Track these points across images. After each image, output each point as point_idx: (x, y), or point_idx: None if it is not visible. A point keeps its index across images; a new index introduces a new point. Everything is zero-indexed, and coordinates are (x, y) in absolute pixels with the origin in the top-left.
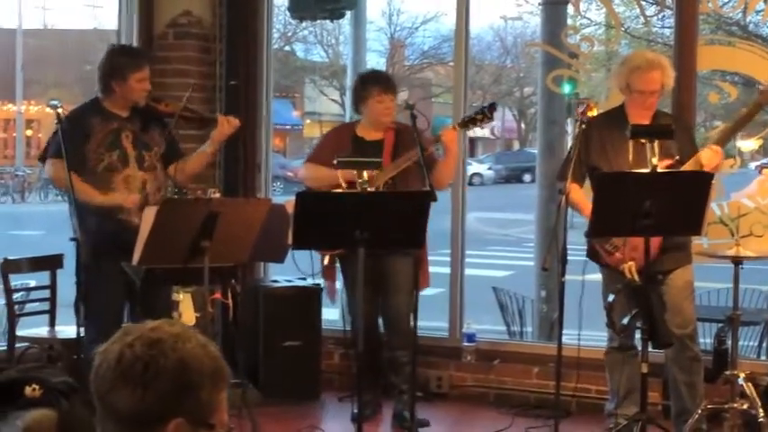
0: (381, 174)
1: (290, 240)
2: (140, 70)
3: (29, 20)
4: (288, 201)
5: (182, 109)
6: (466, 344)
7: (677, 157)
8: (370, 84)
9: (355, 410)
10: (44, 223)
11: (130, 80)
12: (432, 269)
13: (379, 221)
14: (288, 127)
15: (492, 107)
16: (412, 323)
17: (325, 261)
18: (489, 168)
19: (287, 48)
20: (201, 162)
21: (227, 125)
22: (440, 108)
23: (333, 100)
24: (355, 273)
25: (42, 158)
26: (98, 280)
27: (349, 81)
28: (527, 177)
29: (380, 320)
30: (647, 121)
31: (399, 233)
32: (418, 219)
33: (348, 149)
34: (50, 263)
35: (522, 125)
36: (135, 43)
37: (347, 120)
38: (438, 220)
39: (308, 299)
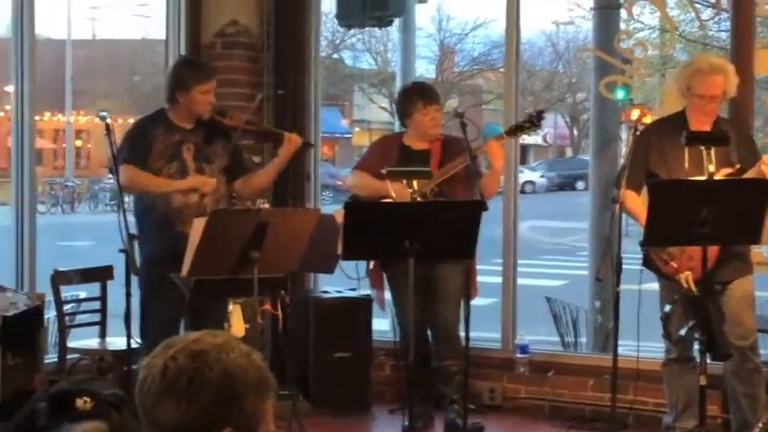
0: (428, 182)
1: (339, 250)
2: (204, 83)
3: (78, 30)
4: (337, 210)
5: (245, 123)
6: (519, 355)
7: (738, 165)
8: (415, 97)
9: (406, 423)
10: (94, 234)
11: (194, 92)
12: (483, 279)
13: (430, 231)
14: (336, 135)
15: (539, 115)
16: (462, 333)
17: (371, 265)
18: (542, 176)
19: (335, 55)
20: (269, 177)
21: (293, 141)
22: (490, 115)
23: (382, 108)
24: (402, 280)
25: (113, 170)
26: (153, 292)
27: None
28: (580, 185)
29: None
30: (707, 128)
31: (450, 243)
32: (469, 228)
33: (395, 159)
34: (101, 274)
35: (575, 132)
36: (183, 52)
37: (396, 128)
38: (489, 228)
39: (358, 309)
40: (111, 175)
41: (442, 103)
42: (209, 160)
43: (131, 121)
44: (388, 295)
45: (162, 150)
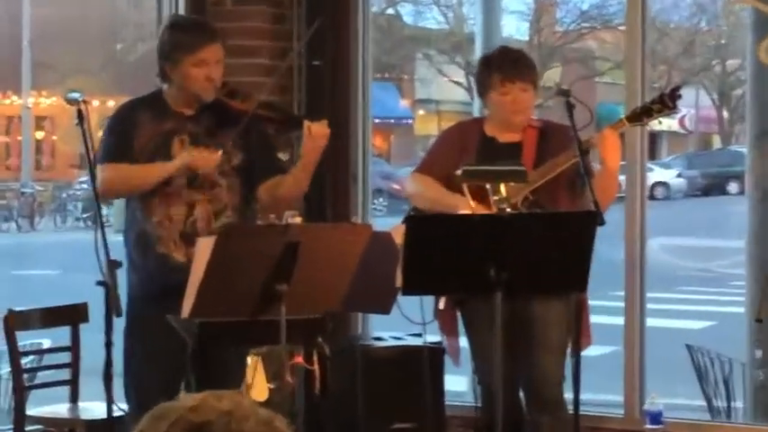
0: (519, 186)
1: (398, 282)
2: (198, 50)
3: None
4: (395, 227)
5: (257, 106)
6: (650, 426)
7: None
8: (493, 68)
9: None
10: (61, 260)
11: (185, 65)
12: (598, 319)
13: (524, 255)
14: (392, 121)
15: (674, 92)
16: (569, 395)
17: (441, 304)
18: (679, 175)
19: (390, 11)
20: (299, 185)
21: (313, 134)
22: (606, 91)
23: (455, 82)
24: (485, 323)
25: (92, 171)
26: (141, 339)
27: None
28: (732, 187)
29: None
30: None
31: (552, 271)
32: (579, 250)
33: (474, 155)
34: (71, 315)
35: (725, 113)
36: (182, 10)
37: (476, 110)
38: (606, 249)
39: (424, 363)
40: (84, 179)
41: (538, 75)
42: None
43: (112, 104)
44: (465, 343)
45: (144, 143)
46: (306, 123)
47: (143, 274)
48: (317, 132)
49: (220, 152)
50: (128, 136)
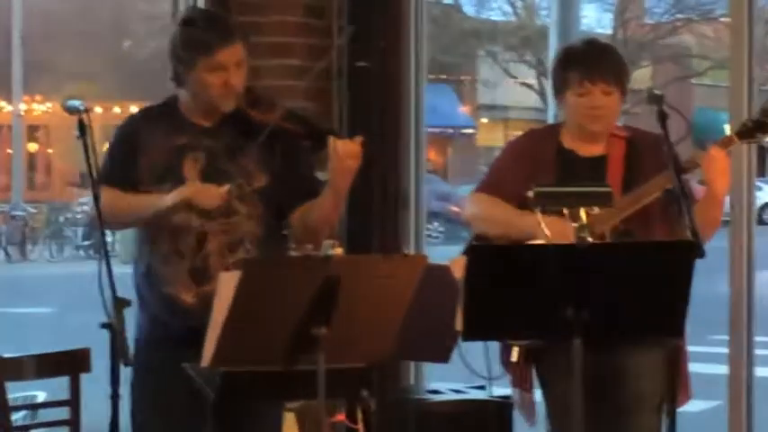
0: (608, 213)
1: (458, 325)
2: (213, 52)
3: None
4: (454, 259)
5: (282, 116)
6: None
7: None
8: (572, 63)
9: None
10: (58, 296)
11: (198, 69)
12: (698, 368)
13: (607, 293)
14: (450, 131)
15: None
16: None
17: (514, 356)
18: None
19: (448, 0)
20: (331, 212)
21: (339, 153)
22: (706, 95)
23: (525, 85)
24: (563, 375)
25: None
26: (149, 390)
27: (553, 52)
28: None
29: None
30: None
31: (643, 311)
32: (674, 287)
33: (550, 171)
34: (70, 363)
35: None
36: (202, 2)
37: (550, 117)
38: (705, 284)
39: (490, 421)
40: (86, 200)
41: (628, 76)
42: (229, 179)
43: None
44: (539, 397)
45: (152, 162)
46: (331, 140)
47: (152, 315)
48: (344, 151)
49: (228, 187)
50: (131, 154)
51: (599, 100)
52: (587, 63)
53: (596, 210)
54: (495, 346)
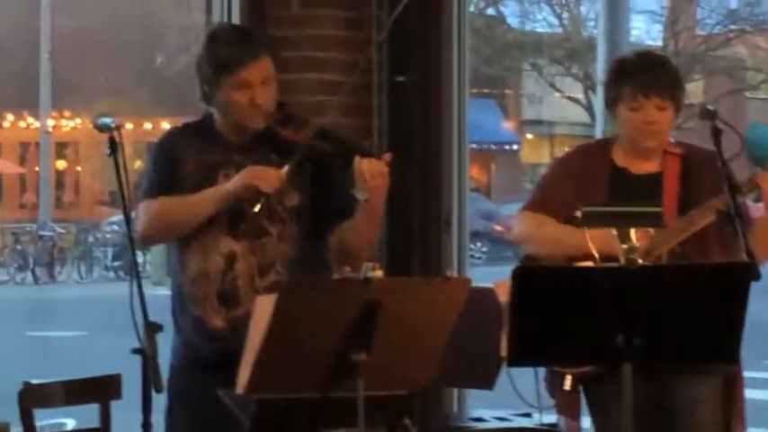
0: (663, 234)
1: (503, 350)
2: (237, 70)
3: None
4: (499, 282)
5: (313, 135)
6: None
7: None
8: (625, 75)
9: None
10: (86, 319)
11: (226, 88)
12: (752, 394)
13: (659, 317)
14: (494, 147)
15: None
16: None
17: (567, 384)
18: None
19: (491, 11)
20: (361, 234)
21: (366, 169)
22: (760, 109)
23: (571, 99)
24: (614, 405)
25: (126, 211)
26: (182, 418)
27: (601, 65)
28: None
29: None
30: None
31: (697, 338)
32: (729, 311)
33: (603, 190)
34: (100, 390)
35: None
36: (237, 16)
37: (598, 132)
38: (759, 307)
39: None
40: (116, 219)
41: (684, 91)
42: (260, 197)
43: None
44: (586, 425)
45: (187, 177)
46: (356, 159)
47: (184, 338)
48: (369, 170)
49: (287, 168)
50: (172, 168)
51: (653, 115)
52: (641, 76)
53: (651, 231)
54: (542, 373)
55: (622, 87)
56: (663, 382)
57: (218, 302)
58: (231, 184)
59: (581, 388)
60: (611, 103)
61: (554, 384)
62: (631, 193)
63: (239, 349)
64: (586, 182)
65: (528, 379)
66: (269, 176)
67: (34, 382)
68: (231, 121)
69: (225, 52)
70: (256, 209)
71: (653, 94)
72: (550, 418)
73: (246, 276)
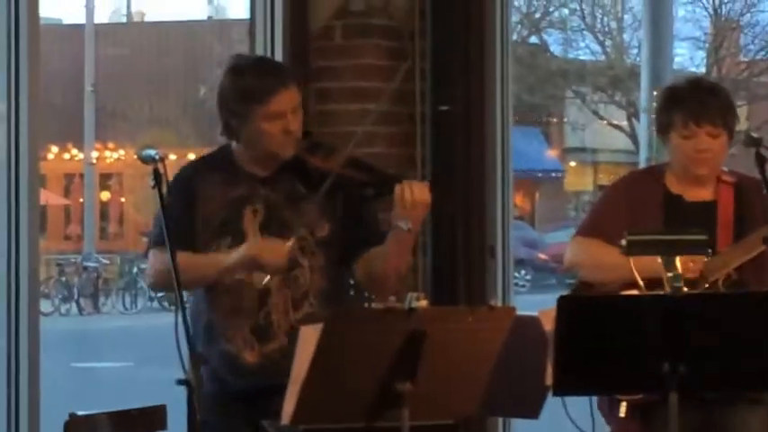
0: (716, 261)
1: (548, 379)
2: (269, 100)
3: (104, 9)
4: (544, 310)
5: (345, 163)
6: None
7: None
8: (676, 103)
9: None
10: (132, 350)
11: (254, 119)
12: None
13: (706, 346)
14: (538, 175)
15: None
16: None
17: (622, 412)
18: None
19: (534, 39)
20: (391, 262)
21: (409, 198)
22: None
23: (615, 126)
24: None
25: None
26: None
27: (644, 92)
28: None
29: None
30: None
31: (744, 365)
32: None
33: (657, 216)
34: (146, 421)
35: None
36: (280, 47)
37: (642, 160)
38: None
39: None
40: (144, 258)
41: (736, 117)
42: (290, 229)
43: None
44: None
45: (211, 215)
46: (398, 187)
47: (210, 373)
48: (414, 198)
49: (292, 241)
50: (188, 209)
51: (705, 143)
52: (693, 104)
53: (704, 259)
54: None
55: (674, 115)
56: (712, 411)
57: (252, 337)
58: (232, 258)
59: (638, 415)
60: (663, 130)
61: (611, 411)
62: (686, 220)
63: (270, 383)
64: (639, 209)
65: (582, 405)
66: (275, 251)
67: (80, 413)
68: (260, 153)
69: (254, 83)
70: (264, 282)
71: (704, 121)
72: None
73: (281, 311)
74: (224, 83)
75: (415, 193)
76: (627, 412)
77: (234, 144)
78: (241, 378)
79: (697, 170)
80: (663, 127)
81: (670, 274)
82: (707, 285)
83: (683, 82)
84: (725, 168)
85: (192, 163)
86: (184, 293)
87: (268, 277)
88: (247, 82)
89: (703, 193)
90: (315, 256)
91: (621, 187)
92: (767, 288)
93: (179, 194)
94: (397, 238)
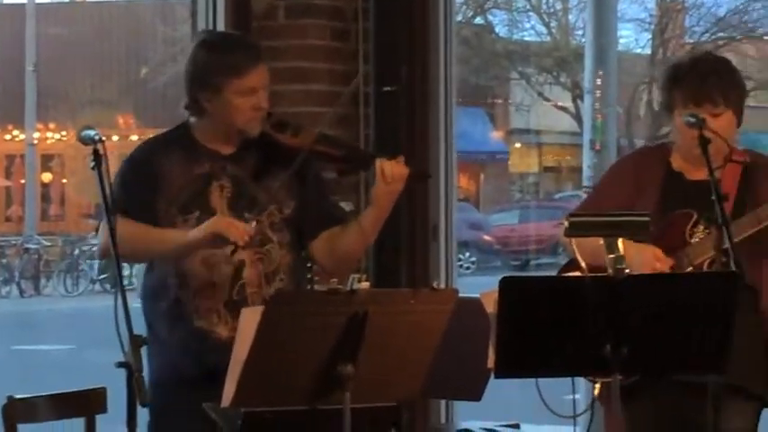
0: (709, 244)
1: (490, 362)
2: (244, 74)
3: None
4: (486, 292)
5: (315, 140)
6: None
7: None
8: (677, 82)
9: None
10: (73, 332)
11: (228, 93)
12: None
13: (648, 328)
14: (482, 157)
15: None
16: None
17: (595, 391)
18: None
19: (479, 20)
20: (364, 239)
21: (390, 173)
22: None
23: (560, 108)
24: (650, 419)
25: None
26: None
27: (588, 73)
28: None
29: None
30: None
31: (684, 348)
32: (717, 322)
33: (655, 193)
34: (85, 404)
35: None
36: (221, 25)
37: (585, 141)
38: None
39: None
40: (95, 235)
41: (744, 94)
42: (258, 207)
43: (135, 138)
44: None
45: (176, 192)
46: (378, 162)
47: (173, 354)
48: (392, 173)
49: (254, 224)
50: (147, 183)
51: (715, 122)
52: (692, 83)
53: (697, 238)
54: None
55: (674, 95)
56: (697, 404)
57: (226, 312)
58: (198, 231)
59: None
60: (667, 109)
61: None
62: (686, 198)
63: None
64: (640, 185)
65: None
66: (238, 230)
67: (18, 396)
68: (227, 129)
69: (232, 56)
70: (229, 250)
71: (705, 101)
72: (536, 427)
73: (254, 284)
74: (197, 56)
75: (395, 167)
76: (600, 391)
77: (193, 120)
78: (212, 354)
79: (697, 151)
80: (666, 106)
81: (612, 256)
82: (690, 268)
83: (683, 60)
84: (740, 147)
85: (149, 142)
86: (133, 271)
87: (254, 223)
88: (225, 55)
89: (705, 172)
90: (282, 232)
91: (622, 164)
92: (759, 271)
93: (138, 168)
94: (373, 214)
